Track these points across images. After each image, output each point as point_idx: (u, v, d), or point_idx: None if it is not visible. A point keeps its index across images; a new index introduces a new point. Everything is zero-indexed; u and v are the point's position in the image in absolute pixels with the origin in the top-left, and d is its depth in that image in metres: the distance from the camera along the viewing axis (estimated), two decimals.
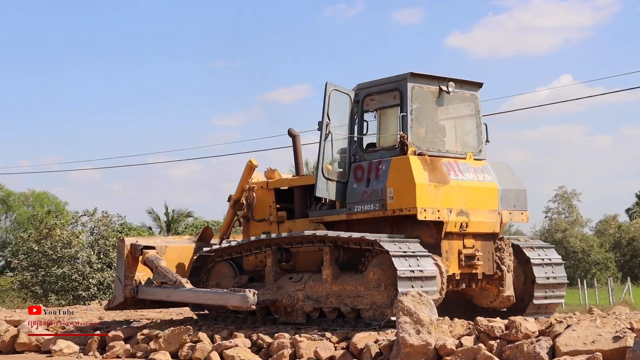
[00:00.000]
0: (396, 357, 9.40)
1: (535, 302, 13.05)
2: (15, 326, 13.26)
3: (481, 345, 9.09)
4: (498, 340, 9.17)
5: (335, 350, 10.44)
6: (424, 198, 11.78)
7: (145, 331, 12.28)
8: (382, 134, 12.83)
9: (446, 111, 13.16)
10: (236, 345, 11.04)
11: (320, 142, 12.67)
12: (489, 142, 13.14)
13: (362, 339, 10.27)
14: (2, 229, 60.95)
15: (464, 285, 12.64)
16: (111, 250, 31.01)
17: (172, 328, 11.78)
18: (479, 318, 9.77)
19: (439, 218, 11.93)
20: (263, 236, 13.32)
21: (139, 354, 11.75)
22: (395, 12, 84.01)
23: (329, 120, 12.62)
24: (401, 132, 12.20)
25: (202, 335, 11.58)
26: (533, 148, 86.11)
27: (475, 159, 12.79)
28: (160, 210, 48.05)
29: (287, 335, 11.13)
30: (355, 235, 11.90)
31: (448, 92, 12.69)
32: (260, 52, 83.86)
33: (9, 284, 37.65)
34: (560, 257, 13.58)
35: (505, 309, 13.03)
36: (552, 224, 57.03)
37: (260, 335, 11.27)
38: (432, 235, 12.13)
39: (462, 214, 12.19)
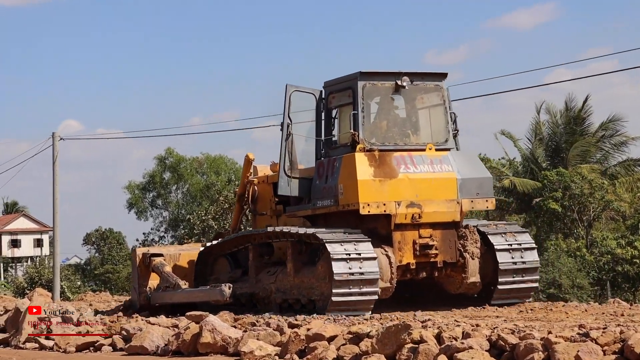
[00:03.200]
0: None
1: (500, 287, 13.32)
2: (197, 322, 11.43)
3: None
4: None
5: (605, 354, 8.50)
6: (366, 193, 12.49)
7: (354, 329, 10.36)
8: (341, 132, 13.54)
9: (408, 104, 13.55)
10: (470, 348, 9.04)
11: (281, 143, 13.47)
12: (457, 131, 13.49)
13: None
14: (173, 204, 57.51)
15: (424, 273, 13.17)
16: None
17: (388, 326, 9.77)
18: None
19: (385, 211, 12.59)
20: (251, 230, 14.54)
21: (346, 357, 9.80)
22: None
23: (290, 121, 13.44)
24: (352, 130, 12.81)
25: (427, 334, 9.51)
26: None
27: (437, 149, 13.17)
28: None
29: (536, 334, 9.04)
30: (294, 229, 12.83)
31: (404, 87, 13.12)
32: None
33: None
34: (532, 241, 13.72)
35: (475, 295, 13.55)
36: None
37: (502, 334, 9.21)
38: (383, 227, 12.81)
39: (413, 205, 12.76)
